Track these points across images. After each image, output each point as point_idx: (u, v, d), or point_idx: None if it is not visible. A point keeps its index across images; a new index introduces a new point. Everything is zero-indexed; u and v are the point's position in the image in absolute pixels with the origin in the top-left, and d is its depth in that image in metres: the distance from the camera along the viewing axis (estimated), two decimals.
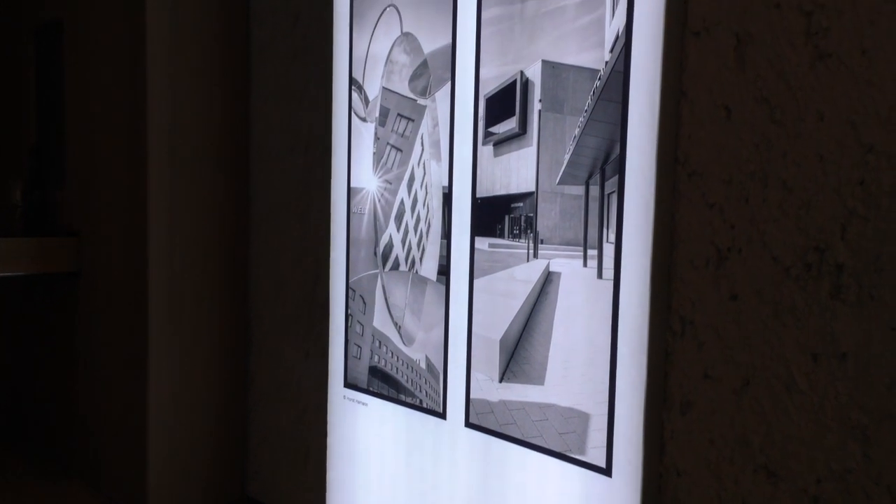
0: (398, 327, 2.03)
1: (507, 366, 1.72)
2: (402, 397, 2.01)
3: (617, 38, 1.48)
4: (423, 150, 1.94)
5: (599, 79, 1.52)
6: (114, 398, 2.66)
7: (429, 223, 1.94)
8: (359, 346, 2.15)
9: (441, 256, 1.90)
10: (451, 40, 1.84)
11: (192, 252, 2.53)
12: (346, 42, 2.17)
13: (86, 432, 2.83)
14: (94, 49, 2.69)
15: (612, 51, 1.50)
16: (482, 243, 1.79)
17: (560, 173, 1.62)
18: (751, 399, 1.34)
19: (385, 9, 2.02)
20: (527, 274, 1.69)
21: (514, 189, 1.72)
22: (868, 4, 1.19)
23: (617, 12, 1.48)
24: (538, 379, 1.65)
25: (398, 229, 2.03)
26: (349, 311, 2.18)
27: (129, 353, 2.56)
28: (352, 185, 2.17)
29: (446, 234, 1.88)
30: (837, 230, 1.23)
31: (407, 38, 1.97)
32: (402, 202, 2.02)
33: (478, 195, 1.80)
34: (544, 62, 1.64)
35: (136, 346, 2.51)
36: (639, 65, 1.45)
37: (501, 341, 1.74)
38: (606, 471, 1.52)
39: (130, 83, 2.47)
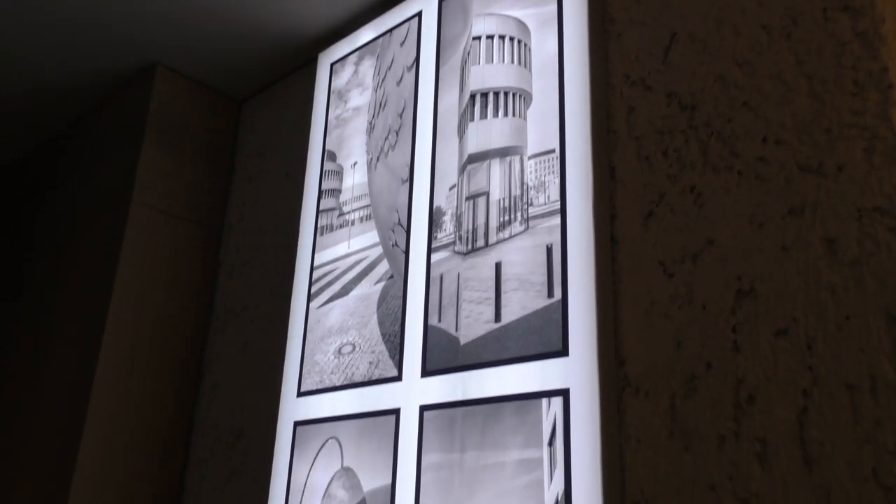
0: None
1: None
2: None
3: (557, 501, 1.46)
4: None
5: None
6: None
7: None
8: None
9: None
10: (391, 481, 1.79)
11: None
12: (285, 468, 2.11)
13: None
14: None
15: None
16: None
17: None
18: None
19: (327, 440, 2.01)
20: None
21: None
22: None
23: (555, 477, 1.48)
24: None
25: None
26: None
27: None
28: None
29: None
30: None
31: (347, 474, 1.92)
32: None
33: None
34: None
35: None
36: None
37: None
38: None
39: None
